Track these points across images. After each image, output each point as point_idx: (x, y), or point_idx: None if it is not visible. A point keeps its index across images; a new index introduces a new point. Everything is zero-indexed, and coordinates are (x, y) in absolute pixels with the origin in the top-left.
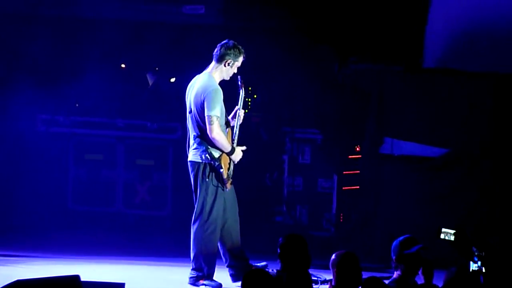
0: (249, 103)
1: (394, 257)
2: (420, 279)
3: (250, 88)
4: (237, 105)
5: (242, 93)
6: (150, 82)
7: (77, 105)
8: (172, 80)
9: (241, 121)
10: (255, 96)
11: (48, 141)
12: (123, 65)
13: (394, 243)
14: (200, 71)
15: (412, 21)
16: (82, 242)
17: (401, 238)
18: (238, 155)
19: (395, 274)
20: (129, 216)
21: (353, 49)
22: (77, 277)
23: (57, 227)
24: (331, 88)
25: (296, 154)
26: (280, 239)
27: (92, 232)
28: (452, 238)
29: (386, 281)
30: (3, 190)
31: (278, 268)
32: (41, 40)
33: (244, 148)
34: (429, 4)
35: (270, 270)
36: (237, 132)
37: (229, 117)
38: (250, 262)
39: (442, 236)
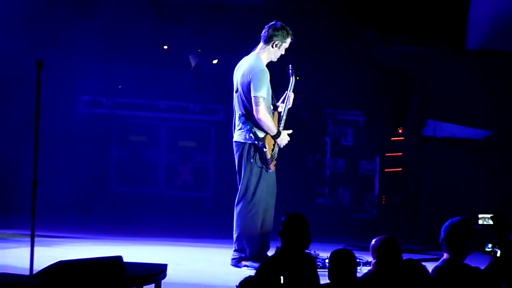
0: (292, 85)
1: (444, 239)
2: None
3: (293, 70)
4: (286, 95)
5: (292, 81)
6: (193, 64)
7: (120, 86)
8: (215, 61)
9: (290, 105)
10: (297, 77)
11: (91, 122)
12: (165, 47)
13: (446, 224)
14: (242, 52)
15: (455, 2)
16: (124, 223)
17: (453, 219)
18: (284, 139)
19: (445, 256)
20: (171, 197)
21: (396, 31)
22: (119, 257)
23: (100, 208)
24: (373, 70)
25: (338, 136)
26: (282, 217)
27: (135, 213)
28: (491, 222)
29: (429, 264)
30: (46, 172)
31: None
32: (83, 21)
33: (290, 131)
34: None
35: (312, 252)
36: (285, 117)
37: (279, 102)
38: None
39: (480, 222)
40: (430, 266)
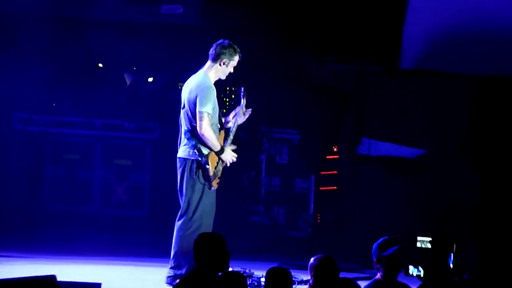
0: (227, 103)
1: (374, 259)
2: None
3: (228, 88)
4: (237, 111)
5: (243, 103)
6: (128, 82)
7: (54, 104)
8: (150, 79)
9: (243, 121)
10: (233, 96)
11: (25, 140)
12: (100, 65)
13: (374, 245)
14: (179, 70)
15: (389, 22)
16: (58, 242)
17: (380, 240)
18: (228, 155)
19: (378, 275)
20: (106, 216)
21: (331, 50)
22: (53, 277)
23: (34, 226)
24: (309, 88)
25: (274, 154)
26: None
27: (69, 232)
28: (429, 245)
29: (364, 282)
30: None
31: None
32: (18, 38)
33: (234, 147)
34: (407, 4)
35: (247, 270)
36: (232, 137)
37: (229, 117)
38: None
39: (418, 244)
40: (364, 285)
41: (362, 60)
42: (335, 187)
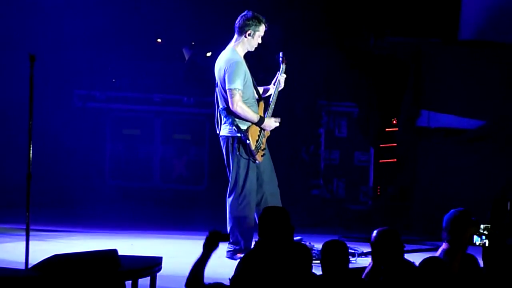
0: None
1: (446, 229)
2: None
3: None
4: (277, 78)
5: (283, 68)
6: (187, 57)
7: (113, 80)
8: (208, 54)
9: (281, 87)
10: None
11: (85, 116)
12: (159, 40)
13: (448, 214)
14: None
15: None
16: (119, 217)
17: (455, 210)
18: (270, 122)
19: (444, 245)
20: (166, 190)
21: (389, 22)
22: (114, 251)
23: (95, 202)
24: (367, 61)
25: (333, 127)
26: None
27: (130, 207)
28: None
29: (424, 254)
30: (41, 166)
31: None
32: (77, 15)
33: (278, 119)
34: None
35: (308, 243)
36: (273, 106)
37: (270, 85)
38: None
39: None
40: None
41: (421, 31)
42: (395, 160)
